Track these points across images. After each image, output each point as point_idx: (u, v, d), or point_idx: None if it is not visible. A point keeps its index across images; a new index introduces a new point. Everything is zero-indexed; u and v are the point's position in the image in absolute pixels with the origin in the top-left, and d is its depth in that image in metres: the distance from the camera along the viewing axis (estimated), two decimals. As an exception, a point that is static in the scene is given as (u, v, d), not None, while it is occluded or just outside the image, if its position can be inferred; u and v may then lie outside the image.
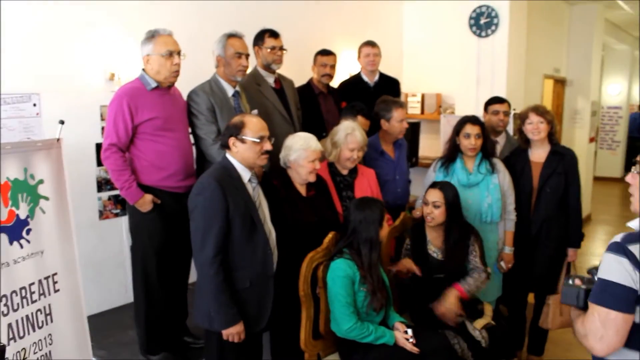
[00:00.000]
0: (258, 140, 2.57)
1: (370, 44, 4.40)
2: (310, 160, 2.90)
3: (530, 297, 3.81)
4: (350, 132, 3.24)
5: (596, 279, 1.72)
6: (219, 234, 2.46)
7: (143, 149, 2.91)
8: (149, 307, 2.98)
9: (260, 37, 3.66)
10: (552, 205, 3.46)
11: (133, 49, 3.60)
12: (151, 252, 2.95)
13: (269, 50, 3.61)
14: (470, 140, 3.36)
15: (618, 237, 1.72)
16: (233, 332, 2.52)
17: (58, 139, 2.40)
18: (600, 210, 8.93)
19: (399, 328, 2.76)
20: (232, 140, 2.56)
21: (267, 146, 2.62)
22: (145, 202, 2.87)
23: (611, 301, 1.66)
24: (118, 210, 3.77)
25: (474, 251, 3.15)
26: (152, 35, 2.91)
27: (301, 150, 2.92)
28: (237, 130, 2.55)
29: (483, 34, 5.57)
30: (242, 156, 2.59)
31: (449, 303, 2.98)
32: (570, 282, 1.90)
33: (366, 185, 3.32)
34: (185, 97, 3.18)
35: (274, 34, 3.64)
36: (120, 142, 2.84)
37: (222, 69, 3.23)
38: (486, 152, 3.44)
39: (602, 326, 1.67)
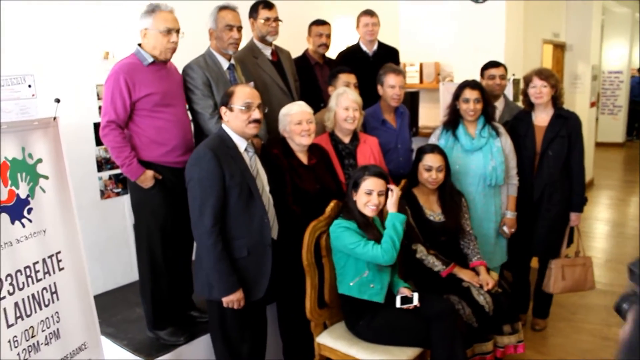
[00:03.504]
0: (244, 108, 2.60)
1: (369, 13, 4.34)
2: (296, 122, 2.93)
3: (534, 262, 3.84)
4: (341, 93, 3.27)
5: None
6: (216, 204, 2.50)
7: (142, 125, 2.89)
8: (155, 283, 3.00)
9: (254, 9, 3.63)
10: (555, 170, 3.45)
11: (127, 27, 3.56)
12: (155, 228, 2.95)
13: (262, 21, 3.57)
14: (469, 104, 3.35)
15: None
16: (233, 299, 2.57)
17: (54, 118, 2.38)
18: (602, 176, 8.92)
19: (404, 292, 2.78)
20: (223, 110, 2.64)
21: (255, 114, 2.63)
22: (147, 178, 2.87)
23: None
24: (119, 190, 3.77)
25: (465, 214, 3.23)
26: (152, 10, 2.86)
27: (284, 116, 2.99)
28: (226, 99, 2.63)
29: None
30: (232, 125, 2.63)
31: (486, 278, 3.03)
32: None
33: (369, 152, 3.31)
34: (180, 71, 3.15)
35: (267, 5, 3.60)
36: (119, 119, 2.81)
37: (215, 42, 3.21)
38: (488, 116, 3.43)
39: None
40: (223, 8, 3.18)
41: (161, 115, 2.90)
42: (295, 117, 2.94)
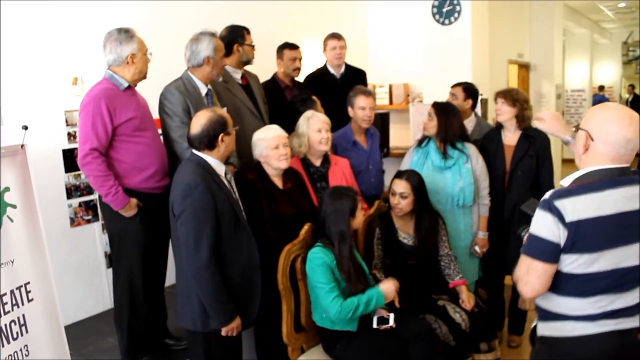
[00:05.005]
0: (237, 127, 2.64)
1: (336, 36, 4.39)
2: (273, 147, 2.91)
3: (508, 279, 3.87)
4: (310, 116, 3.28)
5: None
6: (211, 235, 2.44)
7: (122, 151, 2.83)
8: (132, 313, 2.92)
9: (240, 35, 3.64)
10: (524, 189, 3.49)
11: (96, 52, 3.53)
12: (137, 258, 2.88)
13: (248, 47, 3.64)
14: (426, 120, 3.47)
15: (548, 194, 1.87)
16: (233, 327, 2.53)
17: (22, 145, 2.34)
18: (569, 191, 9.08)
19: (381, 313, 2.77)
20: (221, 137, 2.54)
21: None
22: (131, 207, 2.81)
23: (534, 252, 1.87)
24: (90, 217, 3.70)
25: (444, 237, 3.23)
26: (131, 35, 2.85)
27: (261, 141, 2.95)
28: (223, 127, 2.54)
29: (446, 21, 5.62)
30: (227, 148, 2.59)
31: (469, 297, 3.08)
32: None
33: (340, 174, 3.33)
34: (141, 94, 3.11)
35: (248, 31, 3.67)
36: (101, 145, 2.75)
37: (210, 69, 3.15)
38: (443, 135, 3.44)
39: (526, 273, 1.90)
40: (216, 36, 3.18)
41: (141, 139, 2.86)
42: (271, 141, 2.92)
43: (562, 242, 1.82)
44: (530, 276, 1.89)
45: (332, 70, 4.41)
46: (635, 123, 1.82)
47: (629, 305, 1.86)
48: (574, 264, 1.84)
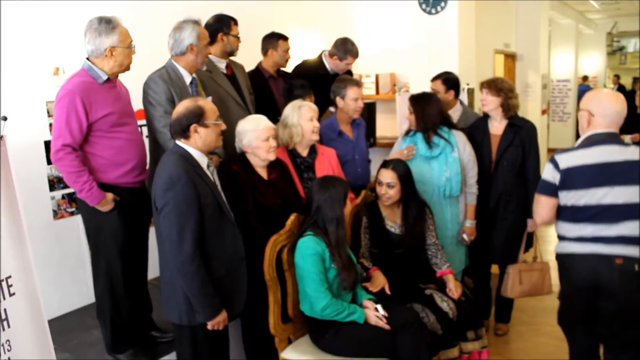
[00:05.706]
0: (220, 122, 2.55)
1: (355, 55, 4.36)
2: (264, 139, 2.88)
3: (495, 268, 3.89)
4: (300, 105, 3.24)
5: None
6: (195, 228, 2.39)
7: (98, 146, 2.75)
8: (114, 307, 2.88)
9: (226, 24, 3.59)
10: (509, 178, 3.50)
11: (77, 41, 3.47)
12: (115, 252, 2.83)
13: (233, 37, 3.61)
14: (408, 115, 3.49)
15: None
16: (219, 321, 2.50)
17: (2, 137, 2.28)
18: (555, 181, 9.15)
19: (368, 306, 2.76)
20: (193, 127, 2.47)
21: (223, 126, 2.59)
22: (107, 202, 2.75)
23: (540, 189, 2.69)
24: (73, 209, 3.64)
25: (431, 226, 3.23)
26: (113, 26, 2.73)
27: (251, 131, 2.90)
28: (197, 117, 2.47)
29: (433, 11, 5.60)
30: (204, 141, 2.51)
31: (456, 286, 3.06)
32: None
33: (327, 164, 3.30)
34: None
35: (236, 22, 3.62)
36: (75, 141, 2.66)
37: (194, 57, 3.09)
38: (423, 125, 3.46)
39: (536, 205, 2.73)
40: (199, 24, 3.12)
41: (119, 135, 2.79)
42: (263, 133, 2.88)
43: (557, 182, 2.60)
44: (537, 207, 2.71)
45: (328, 66, 4.38)
46: (622, 100, 2.60)
47: (610, 236, 2.51)
48: (566, 197, 2.60)
